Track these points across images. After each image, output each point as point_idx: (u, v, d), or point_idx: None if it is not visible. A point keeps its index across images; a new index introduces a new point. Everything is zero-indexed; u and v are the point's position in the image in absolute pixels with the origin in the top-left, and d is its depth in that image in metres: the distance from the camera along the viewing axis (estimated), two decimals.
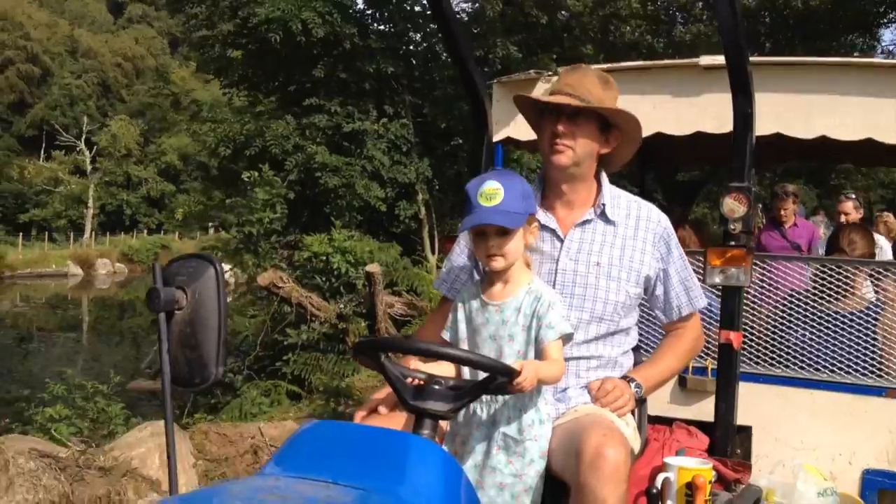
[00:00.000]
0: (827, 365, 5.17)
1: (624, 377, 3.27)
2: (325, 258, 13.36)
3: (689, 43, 21.08)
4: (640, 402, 3.33)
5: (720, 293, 4.48)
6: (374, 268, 11.22)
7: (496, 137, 5.12)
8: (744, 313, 5.29)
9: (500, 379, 2.70)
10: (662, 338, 3.60)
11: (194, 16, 19.21)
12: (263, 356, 12.74)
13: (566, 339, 3.02)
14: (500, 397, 2.92)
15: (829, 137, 5.18)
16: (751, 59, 4.38)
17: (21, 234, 65.48)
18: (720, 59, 5.21)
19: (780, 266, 5.46)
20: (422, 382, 2.74)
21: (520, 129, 5.30)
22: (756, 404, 4.60)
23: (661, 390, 4.59)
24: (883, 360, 5.14)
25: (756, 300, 5.35)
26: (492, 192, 2.97)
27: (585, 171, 3.38)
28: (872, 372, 5.09)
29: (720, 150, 5.70)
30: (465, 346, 3.09)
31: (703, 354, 5.31)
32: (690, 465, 3.26)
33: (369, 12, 19.59)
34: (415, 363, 2.92)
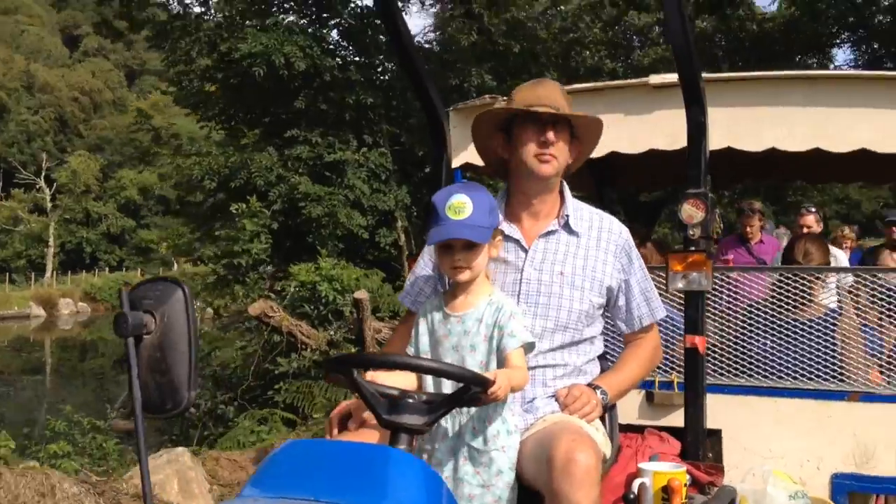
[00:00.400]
0: (789, 372, 5.24)
1: (589, 385, 3.31)
2: (311, 287, 13.54)
3: (646, 66, 21.42)
4: (609, 408, 3.38)
5: (680, 304, 4.56)
6: (361, 294, 11.33)
7: (455, 163, 5.17)
8: (707, 325, 5.38)
9: (475, 389, 2.72)
10: (623, 348, 3.65)
11: (173, 50, 19.48)
12: (255, 386, 12.85)
13: (528, 348, 3.06)
14: (464, 410, 2.94)
15: (779, 149, 5.28)
16: (702, 75, 4.49)
17: None
18: (670, 78, 5.33)
19: (744, 279, 5.54)
20: (395, 396, 2.76)
21: (476, 155, 5.37)
22: (722, 414, 4.65)
23: (630, 405, 4.65)
24: (843, 365, 5.23)
25: (719, 313, 5.42)
26: (460, 205, 3.01)
27: (557, 181, 3.46)
28: (834, 377, 5.17)
29: (675, 170, 5.83)
30: (426, 357, 3.12)
31: (667, 369, 5.40)
32: (665, 470, 3.31)
33: (345, 45, 20.29)
34: (372, 377, 2.92)
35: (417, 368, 2.93)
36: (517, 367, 2.95)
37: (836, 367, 5.20)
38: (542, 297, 3.31)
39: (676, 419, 4.62)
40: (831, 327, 5.26)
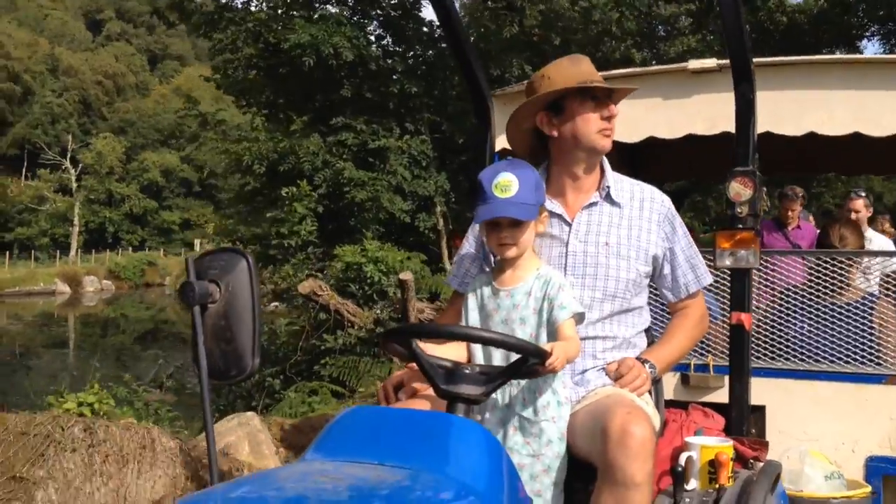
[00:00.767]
0: (827, 356, 5.27)
1: (637, 358, 3.33)
2: (357, 267, 13.89)
3: (672, 57, 21.38)
4: (656, 382, 3.40)
5: (712, 289, 4.59)
6: (407, 276, 11.47)
7: (495, 149, 5.20)
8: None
9: (532, 361, 2.75)
10: (669, 319, 3.65)
11: (220, 40, 19.84)
12: (301, 360, 13.18)
13: (578, 319, 3.09)
14: (515, 381, 2.97)
15: (818, 133, 5.29)
16: None
17: (7, 253, 65.39)
18: (708, 63, 5.37)
19: (782, 263, 5.56)
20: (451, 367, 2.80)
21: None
22: (759, 398, 4.66)
23: (665, 387, 4.69)
24: (881, 349, 5.25)
25: (756, 296, 5.44)
26: (506, 183, 3.03)
27: None
28: (871, 360, 5.20)
29: (710, 157, 5.85)
30: (457, 324, 3.18)
31: (703, 352, 5.43)
32: (712, 444, 3.31)
33: (386, 35, 20.66)
34: (423, 348, 2.94)
35: (478, 339, 2.94)
36: (570, 338, 2.98)
37: (873, 351, 5.22)
38: (589, 269, 3.33)
39: (713, 399, 4.67)
40: (869, 311, 5.28)
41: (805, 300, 5.37)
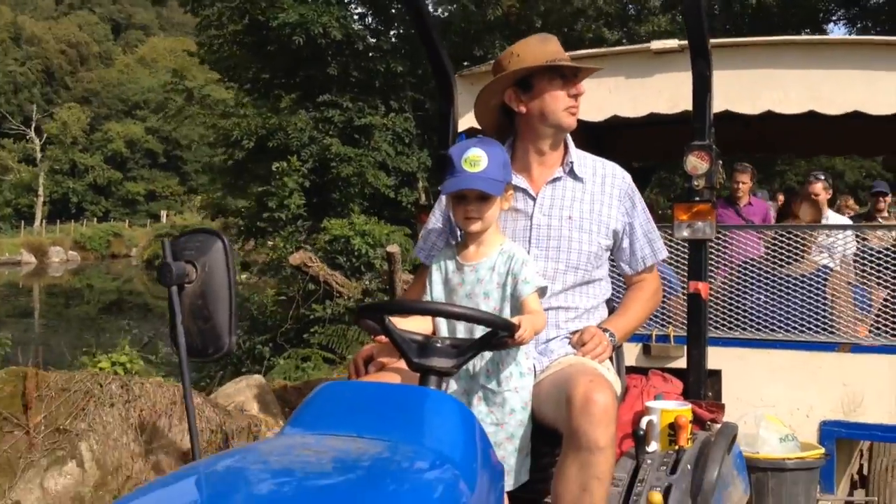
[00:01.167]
0: (782, 325, 5.45)
1: (598, 326, 3.45)
2: (345, 240, 14.51)
3: (643, 37, 21.54)
4: (616, 349, 3.53)
5: (670, 262, 4.71)
6: (394, 248, 11.80)
7: (460, 127, 5.29)
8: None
9: (502, 334, 2.86)
10: (625, 291, 3.78)
11: (206, 17, 20.20)
12: (290, 329, 13.69)
13: (541, 293, 3.20)
14: (481, 353, 3.07)
15: (774, 112, 5.44)
16: None
17: None
18: (670, 44, 5.51)
19: (736, 238, 5.72)
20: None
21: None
22: (716, 364, 4.84)
23: (627, 356, 4.85)
24: (833, 319, 5.42)
25: (713, 270, 5.60)
26: (476, 158, 3.13)
27: None
28: (825, 330, 5.38)
29: (672, 138, 5.98)
30: (429, 301, 3.27)
31: (664, 322, 5.60)
32: (671, 408, 3.47)
33: (370, 16, 21.31)
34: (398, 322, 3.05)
35: (450, 315, 3.05)
36: (536, 312, 3.09)
37: (826, 321, 5.40)
38: (553, 241, 3.44)
39: (672, 367, 4.84)
40: (823, 283, 5.46)
41: (762, 272, 5.53)
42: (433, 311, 3.08)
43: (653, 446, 3.38)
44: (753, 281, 5.56)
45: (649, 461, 3.32)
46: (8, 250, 57.89)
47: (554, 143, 3.53)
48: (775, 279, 5.50)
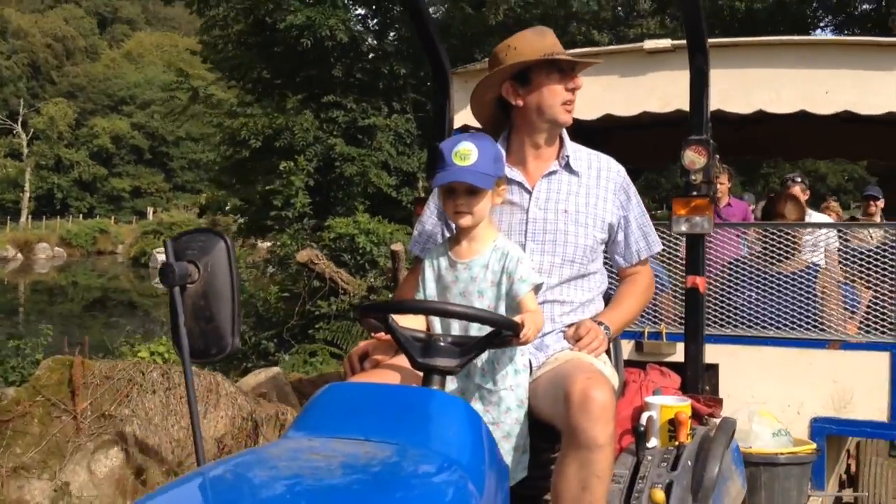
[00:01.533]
0: (773, 322, 5.49)
1: (593, 320, 3.45)
2: (350, 238, 14.95)
3: (633, 39, 21.74)
4: (614, 343, 3.55)
5: (662, 259, 4.72)
6: (398, 246, 12.04)
7: (455, 124, 5.30)
8: (684, 281, 5.61)
9: (505, 333, 2.87)
10: (619, 284, 3.77)
11: (212, 17, 20.32)
12: (295, 325, 13.96)
13: (536, 289, 3.20)
14: None
15: (766, 111, 5.48)
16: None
17: None
18: (662, 43, 5.56)
19: (718, 237, 5.76)
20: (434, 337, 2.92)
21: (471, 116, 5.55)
22: (711, 358, 4.84)
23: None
24: (824, 316, 5.47)
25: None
26: (466, 152, 3.11)
27: None
28: (815, 327, 5.43)
29: (661, 145, 6.01)
30: (436, 300, 3.25)
31: (656, 320, 5.64)
32: (671, 403, 3.48)
33: (371, 17, 21.58)
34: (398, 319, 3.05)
35: (453, 314, 3.04)
36: (534, 311, 3.08)
37: (816, 318, 5.45)
38: (549, 235, 3.44)
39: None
40: (812, 280, 5.51)
41: (752, 270, 5.58)
42: (437, 310, 3.08)
43: (653, 442, 3.39)
44: (744, 278, 5.60)
45: (650, 457, 3.33)
46: None
47: (550, 138, 3.54)
48: (765, 277, 5.54)
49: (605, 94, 5.68)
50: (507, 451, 3.01)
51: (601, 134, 6.56)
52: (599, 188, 3.55)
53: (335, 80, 19.02)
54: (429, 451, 2.35)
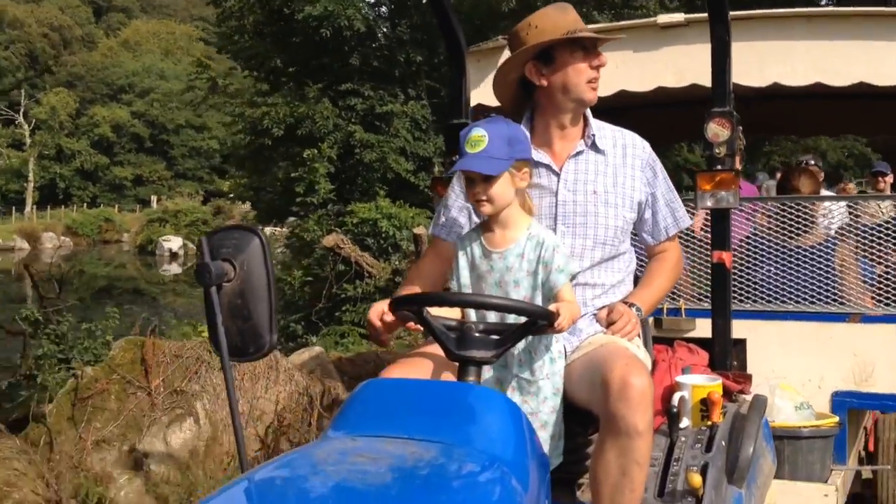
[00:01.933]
0: (792, 297, 5.49)
1: (624, 302, 3.43)
2: (373, 223, 15.41)
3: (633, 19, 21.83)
4: (643, 322, 3.50)
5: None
6: (420, 230, 12.29)
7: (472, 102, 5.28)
8: (699, 258, 5.62)
9: (541, 323, 2.86)
10: (648, 262, 3.74)
11: (229, 8, 20.87)
12: (321, 308, 14.29)
13: (572, 277, 3.17)
14: None
15: (781, 84, 5.47)
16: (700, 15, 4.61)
17: None
18: (676, 17, 5.53)
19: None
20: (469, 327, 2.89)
21: (490, 95, 5.52)
22: (737, 333, 4.86)
23: None
24: (843, 289, 5.47)
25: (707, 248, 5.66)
26: (477, 138, 3.06)
27: None
28: (835, 300, 5.43)
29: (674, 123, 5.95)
30: (469, 292, 3.22)
31: (675, 297, 5.64)
32: (702, 383, 3.49)
33: (389, 5, 22.20)
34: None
35: (488, 306, 3.02)
36: (571, 301, 3.05)
37: (836, 291, 5.45)
38: (579, 217, 3.42)
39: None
40: (830, 254, 5.51)
41: (770, 245, 5.58)
42: (469, 303, 3.06)
43: (685, 422, 3.40)
44: (762, 253, 5.60)
45: (683, 438, 3.34)
46: (1, 237, 58.00)
47: (575, 117, 3.51)
48: (783, 251, 5.54)
49: (619, 70, 5.62)
50: (544, 439, 3.00)
51: (617, 112, 6.57)
52: (626, 166, 3.53)
53: (352, 68, 19.45)
54: (473, 450, 2.34)
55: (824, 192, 8.08)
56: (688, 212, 3.77)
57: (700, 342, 4.18)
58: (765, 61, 5.45)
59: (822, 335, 5.41)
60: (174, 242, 55.76)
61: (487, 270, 3.17)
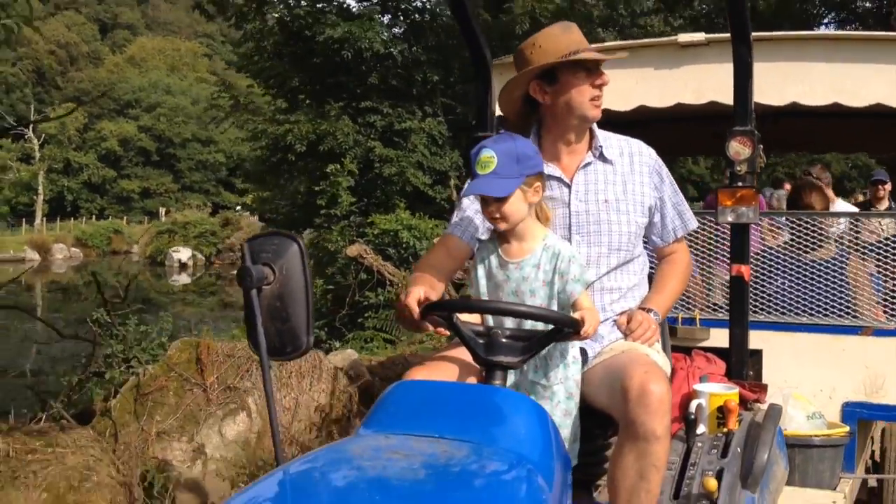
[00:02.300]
0: (806, 309, 5.57)
1: (641, 307, 3.50)
2: (394, 234, 15.94)
3: (638, 37, 22.01)
4: (661, 327, 3.57)
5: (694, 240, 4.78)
6: None
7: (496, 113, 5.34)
8: (716, 270, 5.69)
9: (567, 330, 2.95)
10: (658, 265, 3.81)
11: (251, 30, 21.43)
12: (344, 315, 14.67)
13: (587, 286, 3.24)
14: None
15: (800, 104, 5.55)
16: (725, 35, 4.69)
17: None
18: (697, 37, 5.62)
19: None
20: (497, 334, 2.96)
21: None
22: (753, 343, 4.91)
23: None
24: (856, 302, 5.55)
25: (714, 260, 5.75)
26: (486, 159, 3.11)
27: None
28: (848, 313, 5.50)
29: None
30: (496, 300, 3.25)
31: (690, 306, 5.73)
32: (720, 391, 3.57)
33: (407, 27, 22.46)
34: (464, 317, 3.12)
35: (516, 314, 3.07)
36: (589, 309, 3.11)
37: (849, 305, 5.52)
38: (592, 226, 3.51)
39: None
40: (842, 267, 5.59)
41: (783, 258, 5.66)
42: (500, 310, 3.10)
43: (701, 429, 3.48)
44: (776, 267, 5.68)
45: (699, 444, 3.41)
46: (12, 248, 58.30)
47: (580, 133, 3.58)
48: (797, 265, 5.61)
49: (639, 85, 5.75)
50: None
51: (636, 125, 6.67)
52: (634, 173, 3.62)
53: (371, 86, 19.96)
54: (501, 449, 2.41)
55: (836, 202, 8.14)
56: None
57: (717, 352, 4.27)
58: (784, 81, 5.52)
59: (834, 347, 5.48)
60: (183, 253, 56.00)
61: (504, 280, 3.23)
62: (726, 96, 4.34)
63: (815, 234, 5.59)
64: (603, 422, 3.21)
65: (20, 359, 17.27)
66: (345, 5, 20.87)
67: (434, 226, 16.58)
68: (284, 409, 7.68)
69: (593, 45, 3.69)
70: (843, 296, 5.53)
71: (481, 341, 2.96)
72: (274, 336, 2.71)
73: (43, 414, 7.50)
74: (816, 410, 5.06)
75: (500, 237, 3.29)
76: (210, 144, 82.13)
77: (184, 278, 48.80)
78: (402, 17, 22.63)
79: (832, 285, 5.54)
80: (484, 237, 3.48)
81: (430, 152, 20.11)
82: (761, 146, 4.20)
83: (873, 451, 6.88)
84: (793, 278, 5.62)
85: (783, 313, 5.61)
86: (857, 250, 5.69)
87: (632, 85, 5.65)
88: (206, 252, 56.80)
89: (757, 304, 5.64)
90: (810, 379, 5.46)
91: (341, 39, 19.12)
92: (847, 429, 5.17)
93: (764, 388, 4.03)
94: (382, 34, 20.02)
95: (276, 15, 20.81)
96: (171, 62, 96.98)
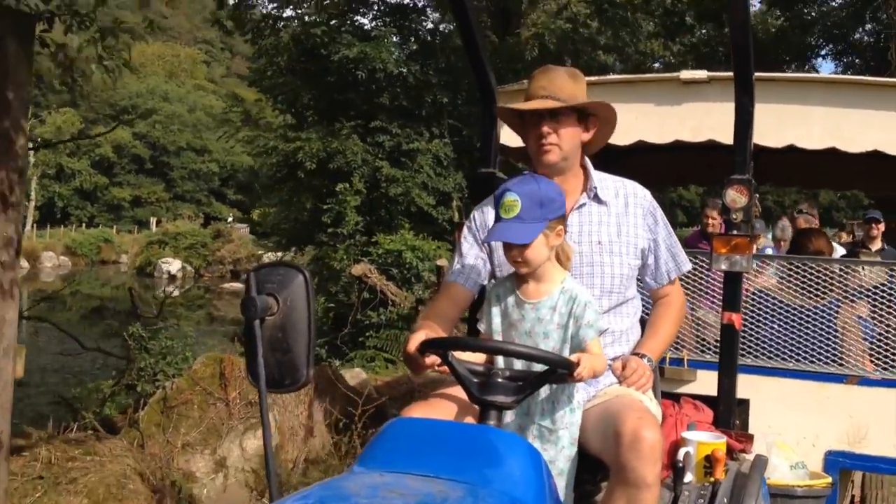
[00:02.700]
0: (793, 355, 5.62)
1: (635, 353, 3.53)
2: (397, 254, 16.13)
3: (637, 58, 22.27)
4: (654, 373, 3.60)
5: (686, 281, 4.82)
6: (443, 262, 12.96)
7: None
8: (701, 312, 5.73)
9: (561, 371, 2.95)
10: (652, 307, 3.84)
11: (265, 46, 21.97)
12: (346, 333, 14.82)
13: (601, 333, 3.25)
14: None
15: (797, 146, 5.61)
16: (722, 74, 4.71)
17: None
18: (699, 75, 5.67)
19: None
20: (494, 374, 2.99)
21: (510, 136, 5.59)
22: (742, 395, 4.93)
23: None
24: (843, 350, 5.60)
25: (712, 302, 5.79)
26: (510, 203, 3.13)
27: (573, 161, 3.65)
28: (834, 361, 5.56)
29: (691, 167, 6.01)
30: (499, 339, 3.28)
31: (679, 347, 5.76)
32: (707, 440, 3.62)
33: (418, 50, 23.02)
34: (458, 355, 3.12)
35: (508, 353, 3.10)
36: (597, 355, 3.13)
37: (836, 352, 5.57)
38: (585, 268, 3.53)
39: (686, 391, 5.06)
40: (833, 316, 5.63)
41: (774, 303, 5.70)
42: (494, 349, 3.13)
43: (688, 477, 3.51)
44: (765, 311, 5.73)
45: (686, 493, 3.44)
46: None
47: (556, 174, 3.56)
48: (786, 310, 5.66)
49: (638, 120, 5.79)
50: (560, 487, 3.06)
51: (631, 154, 6.72)
52: (628, 215, 3.64)
53: (380, 106, 20.29)
54: (496, 492, 2.42)
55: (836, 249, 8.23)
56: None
57: (705, 399, 4.30)
58: (782, 123, 5.58)
59: (819, 395, 5.53)
60: (173, 265, 55.42)
61: (519, 319, 3.24)
62: (724, 135, 4.40)
63: (815, 282, 5.63)
64: (594, 466, 3.23)
65: (46, 370, 17.39)
66: (359, 24, 21.37)
67: (437, 247, 16.84)
68: (301, 425, 8.04)
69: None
70: (831, 343, 5.58)
71: (476, 380, 2.98)
72: (273, 367, 2.70)
73: (75, 424, 7.80)
74: (799, 460, 5.10)
75: (519, 277, 3.30)
76: (204, 154, 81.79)
77: (173, 290, 48.30)
78: (412, 39, 23.07)
79: (821, 332, 5.59)
80: (485, 283, 3.54)
81: (435, 173, 20.39)
82: (757, 195, 4.26)
83: (853, 496, 6.93)
84: (782, 323, 5.66)
85: (770, 358, 5.66)
86: (849, 298, 5.73)
87: (631, 120, 5.62)
88: (195, 264, 56.29)
89: (745, 347, 5.66)
90: (795, 426, 5.50)
91: (356, 59, 19.44)
92: (829, 479, 5.20)
93: (750, 439, 4.07)
94: (395, 55, 20.39)
95: (291, 32, 21.18)
96: (169, 68, 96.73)
